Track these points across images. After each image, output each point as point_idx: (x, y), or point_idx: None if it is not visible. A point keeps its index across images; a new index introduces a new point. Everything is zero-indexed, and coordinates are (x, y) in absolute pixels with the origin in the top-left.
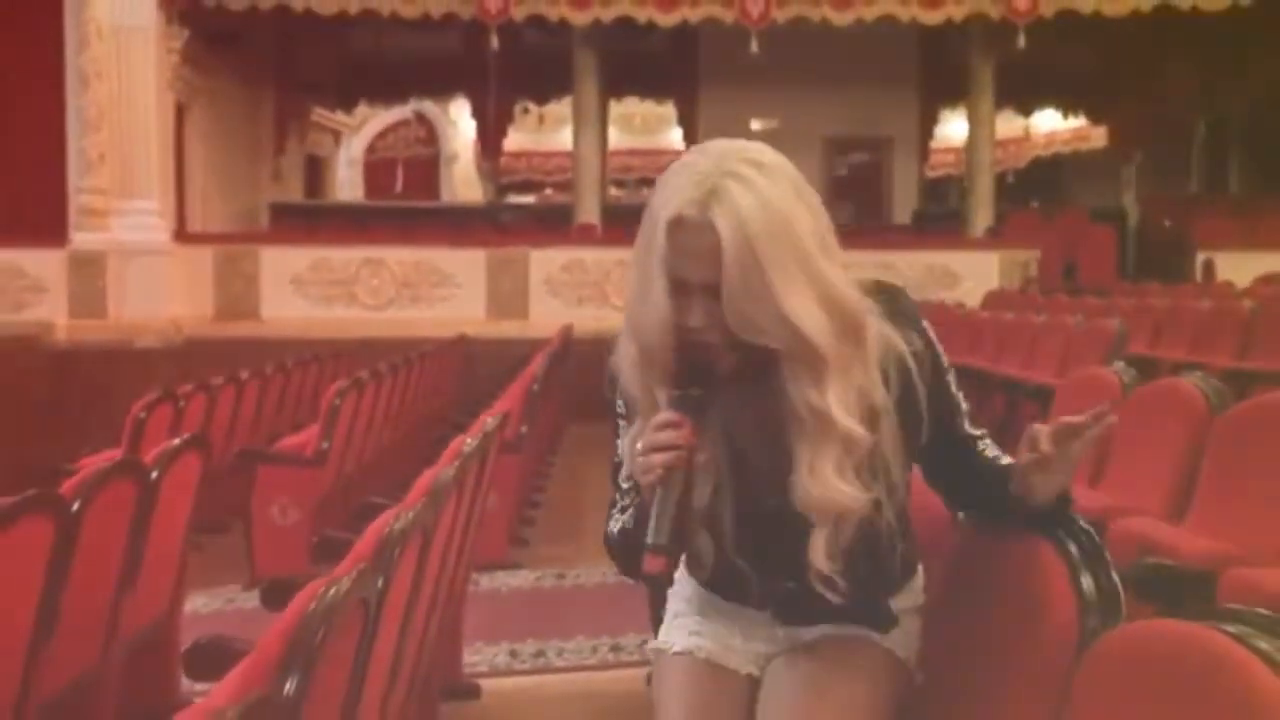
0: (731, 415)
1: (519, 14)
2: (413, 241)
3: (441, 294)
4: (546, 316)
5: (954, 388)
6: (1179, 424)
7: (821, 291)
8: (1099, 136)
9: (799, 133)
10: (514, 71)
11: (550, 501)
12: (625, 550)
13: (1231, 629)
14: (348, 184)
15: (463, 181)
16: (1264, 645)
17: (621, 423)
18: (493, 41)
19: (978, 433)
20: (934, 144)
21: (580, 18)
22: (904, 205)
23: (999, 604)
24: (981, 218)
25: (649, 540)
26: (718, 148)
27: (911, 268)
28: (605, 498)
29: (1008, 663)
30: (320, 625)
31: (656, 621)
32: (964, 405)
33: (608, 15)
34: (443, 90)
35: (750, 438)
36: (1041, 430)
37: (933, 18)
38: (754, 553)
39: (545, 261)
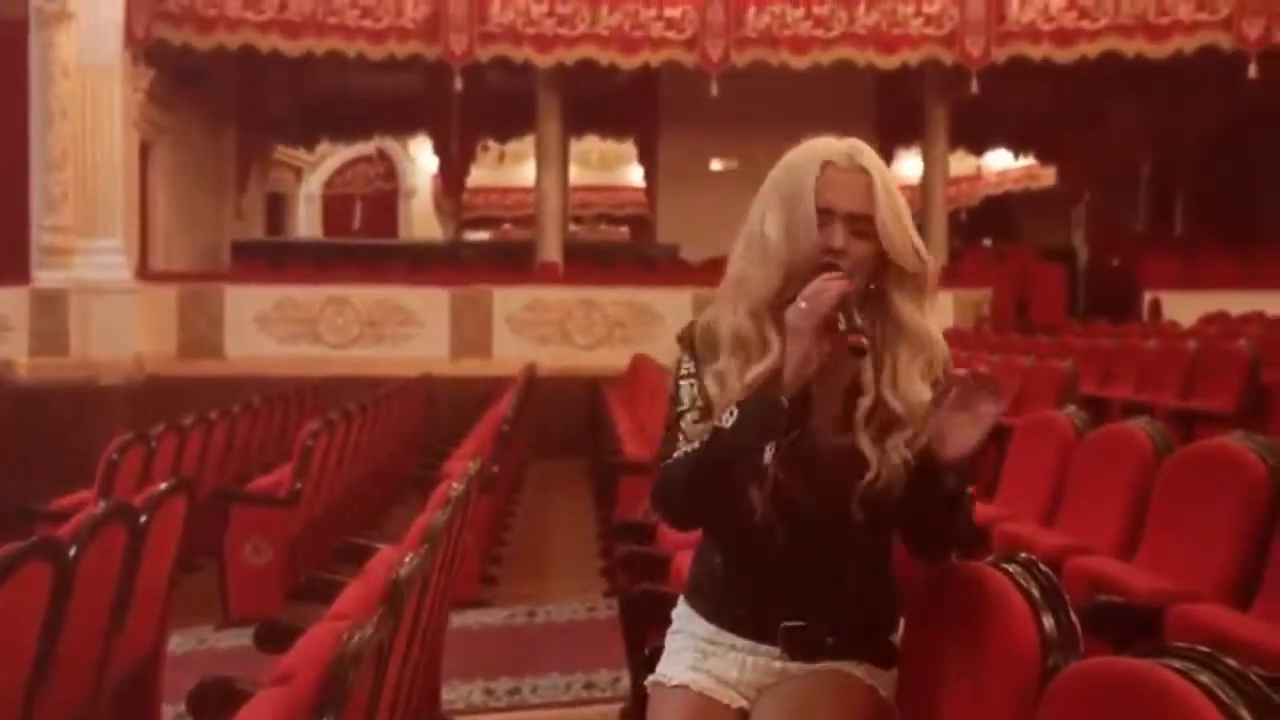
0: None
1: (484, 55)
2: (377, 280)
3: (405, 332)
4: (509, 355)
5: None
6: (1128, 467)
7: (919, 236)
8: (1049, 176)
9: (758, 173)
10: (477, 110)
11: (517, 539)
12: (694, 472)
13: (1177, 665)
14: (306, 220)
15: (421, 217)
16: (1206, 680)
17: (687, 381)
18: (456, 82)
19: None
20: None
21: (544, 60)
22: None
23: (965, 643)
24: (936, 256)
25: (845, 326)
26: (832, 138)
27: None
28: (570, 535)
29: (974, 699)
30: (351, 667)
31: (633, 660)
32: None
33: (571, 58)
34: (405, 128)
35: (827, 392)
36: (957, 374)
37: (888, 62)
38: (791, 501)
39: (508, 300)
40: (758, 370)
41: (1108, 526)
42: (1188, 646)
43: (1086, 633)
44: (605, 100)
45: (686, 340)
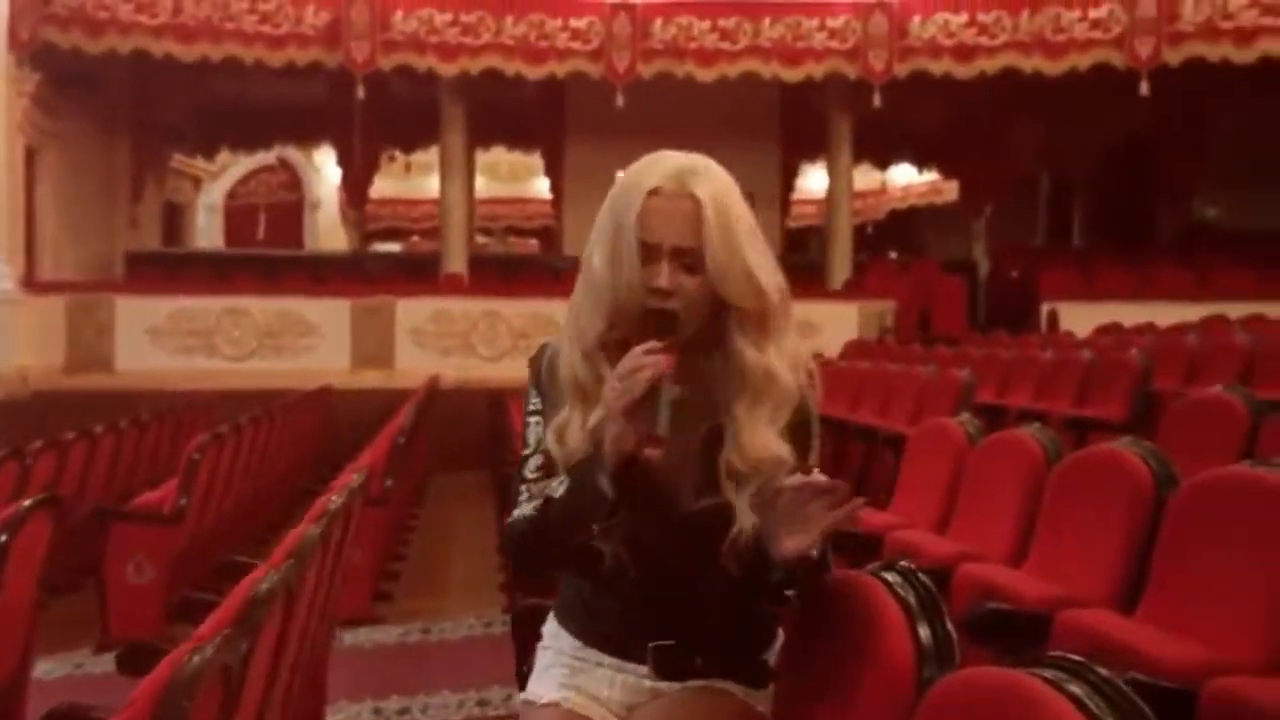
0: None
1: (386, 64)
2: (276, 291)
3: (306, 344)
4: (413, 367)
5: (812, 458)
6: (1019, 473)
7: (769, 261)
8: (952, 190)
9: None
10: (381, 120)
11: (414, 554)
12: (532, 537)
13: (1048, 674)
14: (208, 231)
15: (327, 229)
16: (1076, 689)
17: (535, 418)
18: (359, 90)
19: None
20: (795, 196)
21: (448, 69)
22: None
23: (841, 655)
24: (840, 269)
25: (646, 432)
26: (673, 153)
27: None
28: (471, 549)
29: (850, 711)
30: (184, 696)
31: (522, 675)
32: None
33: (475, 67)
34: (308, 137)
35: (679, 452)
36: (788, 484)
37: (793, 75)
38: (643, 544)
39: (412, 311)
40: (596, 416)
41: (999, 533)
42: (1061, 655)
43: (975, 640)
44: (511, 111)
45: (535, 369)
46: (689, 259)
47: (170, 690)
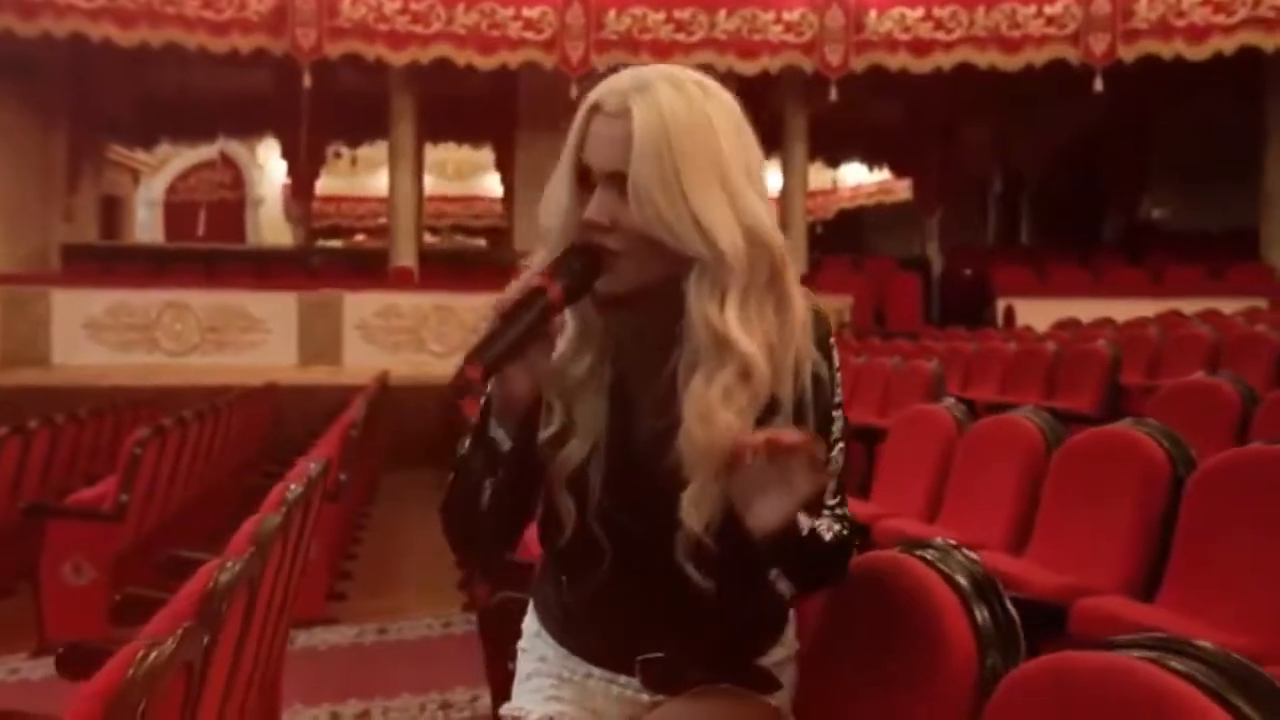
0: (622, 355)
1: (334, 52)
2: (219, 284)
3: (250, 339)
4: (361, 363)
5: (834, 436)
6: (1016, 459)
7: (741, 209)
8: (902, 190)
9: None
10: (328, 111)
11: (367, 554)
12: (452, 504)
13: (1148, 654)
14: (147, 226)
15: (270, 226)
16: (1184, 667)
17: None
18: (305, 79)
19: (831, 502)
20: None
21: (398, 58)
22: None
23: (884, 642)
24: (796, 264)
25: (472, 352)
26: (674, 67)
27: None
28: (426, 548)
29: (900, 705)
30: (141, 694)
31: (494, 679)
32: (834, 464)
33: (426, 56)
34: (251, 130)
35: (637, 384)
36: (746, 440)
37: (749, 68)
38: (618, 524)
39: (360, 306)
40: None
41: (996, 521)
42: (1146, 635)
43: None
44: (461, 104)
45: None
46: (618, 186)
47: (125, 689)
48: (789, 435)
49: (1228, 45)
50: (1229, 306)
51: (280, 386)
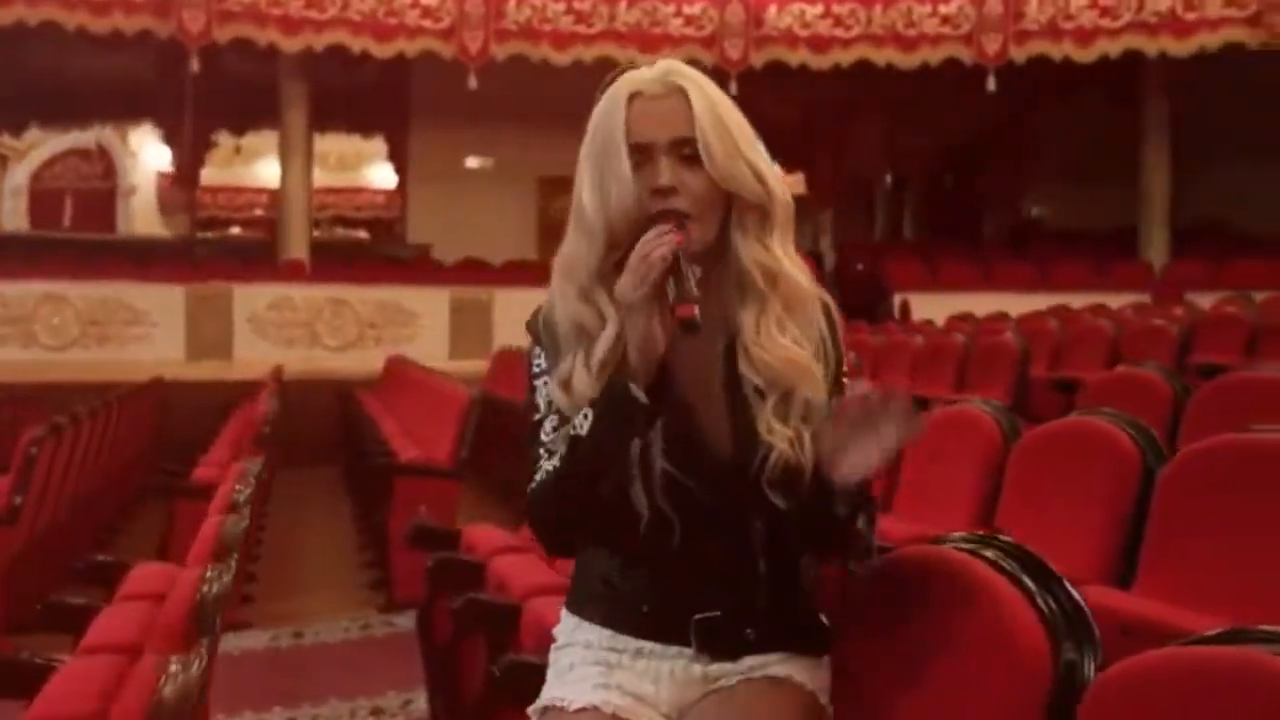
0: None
1: (223, 36)
2: (99, 276)
3: (134, 333)
4: (252, 357)
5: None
6: (973, 452)
7: (767, 162)
8: (797, 184)
9: (514, 172)
10: (214, 99)
11: (269, 555)
12: (559, 492)
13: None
14: (12, 215)
15: (143, 217)
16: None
17: (541, 379)
18: (193, 64)
19: None
20: None
21: (291, 44)
22: None
23: (933, 638)
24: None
25: (675, 299)
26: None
27: None
28: (329, 548)
29: (963, 704)
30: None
31: (431, 679)
32: None
33: (320, 43)
34: (131, 116)
35: (700, 363)
36: (850, 398)
37: (649, 61)
38: (684, 491)
39: (250, 299)
40: (601, 348)
41: (955, 515)
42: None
43: None
44: (353, 93)
45: (533, 331)
46: (688, 149)
47: (164, 714)
48: (881, 390)
49: (1113, 48)
50: (1114, 301)
51: (167, 382)
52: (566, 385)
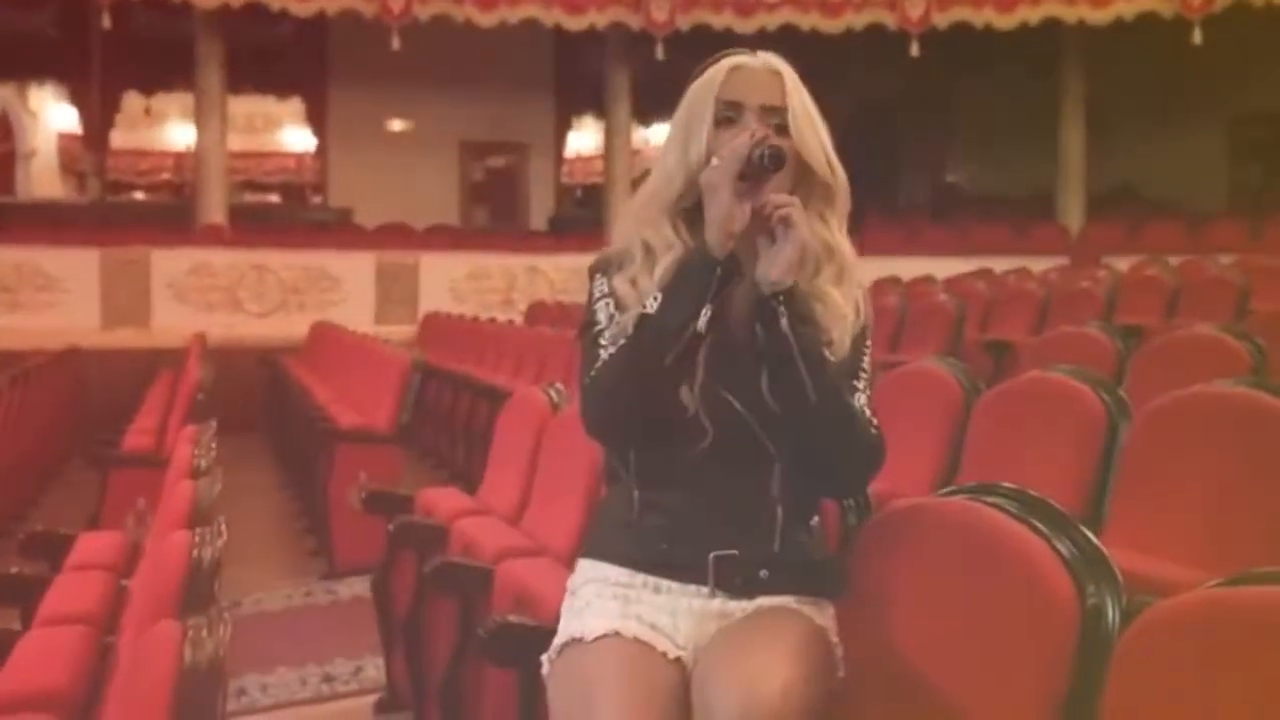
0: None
1: None
2: (6, 240)
3: (46, 300)
4: (172, 324)
5: (865, 357)
6: (936, 409)
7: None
8: None
9: (436, 135)
10: (124, 57)
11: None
12: (617, 374)
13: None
14: None
15: (43, 182)
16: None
17: (603, 300)
18: (105, 21)
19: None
20: (583, 152)
21: (207, 0)
22: (540, 210)
23: (960, 591)
24: None
25: (760, 152)
26: None
27: (556, 270)
28: (262, 516)
29: (991, 652)
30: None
31: (389, 645)
32: (863, 381)
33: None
34: (33, 74)
35: (739, 308)
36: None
37: (576, 23)
38: (721, 400)
39: (169, 263)
40: (666, 261)
41: (919, 472)
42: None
43: None
44: (268, 53)
45: (599, 265)
46: (775, 118)
47: (195, 680)
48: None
49: (1033, 16)
50: (1034, 265)
51: (83, 350)
52: (634, 283)
